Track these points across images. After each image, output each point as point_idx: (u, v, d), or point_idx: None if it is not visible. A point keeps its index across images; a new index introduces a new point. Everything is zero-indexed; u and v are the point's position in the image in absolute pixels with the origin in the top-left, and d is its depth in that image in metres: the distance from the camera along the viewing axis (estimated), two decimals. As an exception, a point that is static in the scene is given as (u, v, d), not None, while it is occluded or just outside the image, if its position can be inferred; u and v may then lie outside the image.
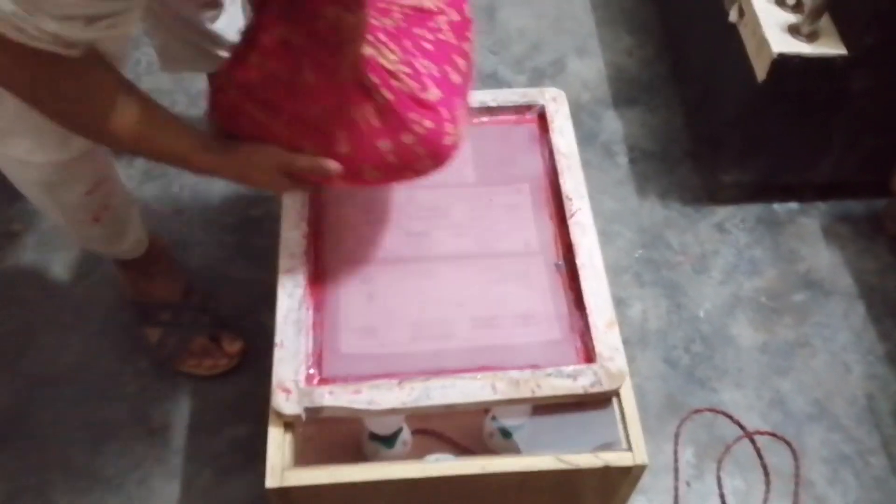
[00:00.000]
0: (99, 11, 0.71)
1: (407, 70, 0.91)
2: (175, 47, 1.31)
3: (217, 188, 1.48)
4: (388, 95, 0.89)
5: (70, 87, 0.79)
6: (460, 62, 0.97)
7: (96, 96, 0.81)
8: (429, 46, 0.94)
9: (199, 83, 1.57)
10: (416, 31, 0.94)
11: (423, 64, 0.92)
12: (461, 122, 0.94)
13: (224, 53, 1.30)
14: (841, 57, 1.20)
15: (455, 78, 0.95)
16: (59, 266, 1.39)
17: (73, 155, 0.95)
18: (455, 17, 1.00)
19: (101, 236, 1.13)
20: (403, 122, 0.90)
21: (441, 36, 0.97)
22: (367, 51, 0.88)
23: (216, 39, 1.30)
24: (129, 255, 1.20)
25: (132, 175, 1.30)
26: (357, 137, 0.90)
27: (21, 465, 1.19)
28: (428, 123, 0.91)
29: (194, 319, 1.26)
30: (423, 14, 0.96)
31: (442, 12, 0.98)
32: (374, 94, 0.89)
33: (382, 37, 0.90)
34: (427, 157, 0.93)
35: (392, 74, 0.89)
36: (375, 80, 0.88)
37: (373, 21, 0.89)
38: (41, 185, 0.99)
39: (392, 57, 0.90)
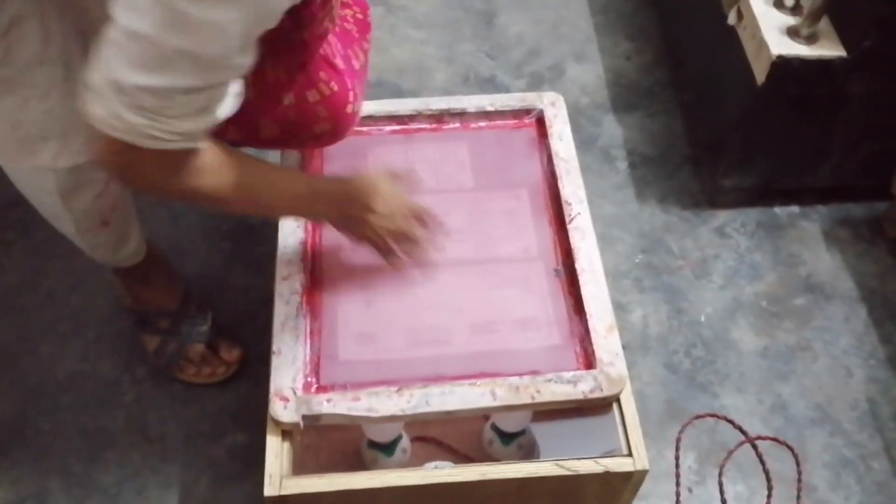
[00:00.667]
0: (211, 82, 0.71)
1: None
2: None
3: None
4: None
5: (198, 170, 0.80)
6: (360, 55, 1.02)
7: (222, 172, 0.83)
8: (336, 28, 0.97)
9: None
10: None
11: (332, 40, 0.95)
12: (361, 101, 0.98)
13: None
14: (840, 59, 1.20)
15: (356, 64, 0.99)
16: (56, 274, 1.38)
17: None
18: (360, 15, 1.05)
19: (107, 242, 1.12)
20: (312, 79, 0.92)
21: (347, 26, 1.01)
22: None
23: None
24: (130, 262, 1.20)
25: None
26: (262, 86, 0.90)
27: (19, 473, 1.19)
28: (334, 86, 0.93)
29: (192, 327, 1.25)
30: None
31: (349, 6, 1.03)
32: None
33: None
34: (327, 120, 0.95)
35: None
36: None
37: None
38: (57, 193, 0.98)
39: None
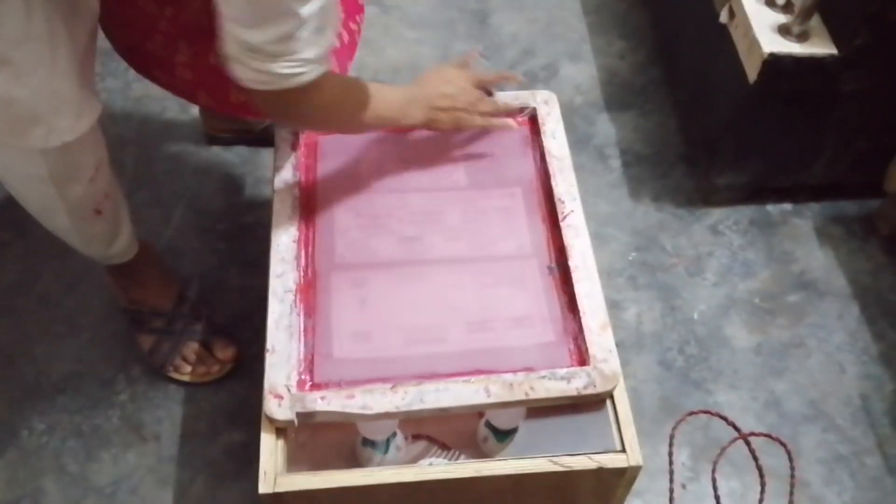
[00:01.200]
0: None
1: None
2: None
3: (209, 194, 1.48)
4: None
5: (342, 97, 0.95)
6: (344, 34, 1.09)
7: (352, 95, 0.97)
8: None
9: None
10: None
11: None
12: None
13: None
14: (832, 57, 1.20)
15: (337, 42, 1.04)
16: (51, 275, 1.38)
17: (83, 130, 0.95)
18: None
19: (101, 234, 1.13)
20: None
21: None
22: None
23: None
24: (122, 258, 1.20)
25: (122, 183, 1.28)
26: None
27: (14, 472, 1.19)
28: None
29: (187, 326, 1.26)
30: None
31: None
32: None
33: None
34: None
35: None
36: None
37: None
38: (50, 180, 0.98)
39: None
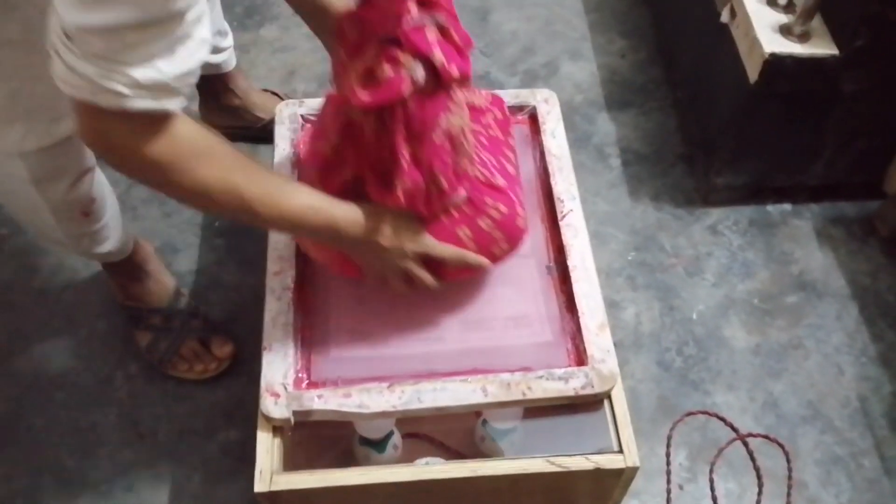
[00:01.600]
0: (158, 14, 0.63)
1: (476, 159, 0.94)
2: None
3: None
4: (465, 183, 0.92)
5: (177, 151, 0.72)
6: (510, 155, 1.01)
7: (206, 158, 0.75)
8: (485, 141, 0.98)
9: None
10: (475, 126, 0.97)
11: (485, 156, 0.96)
12: (525, 207, 0.97)
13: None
14: (833, 57, 1.20)
15: (510, 169, 0.99)
16: (48, 270, 1.38)
17: (62, 136, 0.95)
18: (499, 115, 1.04)
19: (90, 234, 1.12)
20: (479, 207, 0.93)
21: (492, 132, 1.01)
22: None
23: None
24: (115, 258, 1.20)
25: (119, 179, 1.28)
26: (438, 230, 0.92)
27: (11, 469, 1.19)
28: (503, 208, 0.93)
29: (184, 323, 1.25)
30: (476, 111, 1.00)
31: (489, 110, 1.03)
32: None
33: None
34: (504, 240, 0.95)
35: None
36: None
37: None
38: (31, 182, 0.98)
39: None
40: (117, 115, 0.66)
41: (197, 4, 0.65)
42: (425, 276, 0.92)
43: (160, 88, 0.66)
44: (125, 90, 0.64)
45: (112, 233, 1.15)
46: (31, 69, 0.87)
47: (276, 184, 0.82)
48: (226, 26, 1.39)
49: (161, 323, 1.25)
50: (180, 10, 0.63)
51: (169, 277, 1.29)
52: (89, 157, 1.04)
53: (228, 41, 1.40)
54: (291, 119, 1.13)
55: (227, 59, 1.41)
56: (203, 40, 0.68)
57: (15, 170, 0.96)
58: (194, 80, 0.69)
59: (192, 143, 0.73)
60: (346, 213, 0.86)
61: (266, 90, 1.54)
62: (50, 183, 0.99)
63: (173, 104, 0.68)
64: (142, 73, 0.64)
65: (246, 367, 1.26)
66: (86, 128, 0.69)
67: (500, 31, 1.76)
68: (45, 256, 1.39)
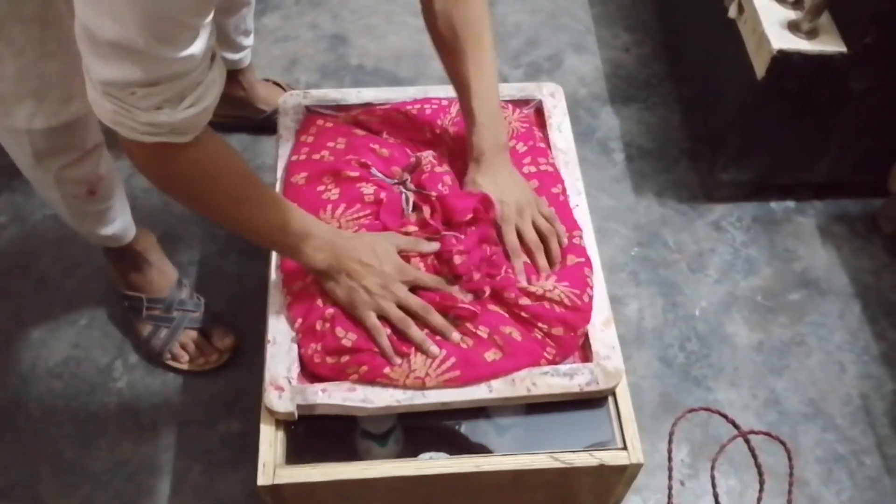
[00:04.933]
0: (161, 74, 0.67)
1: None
2: None
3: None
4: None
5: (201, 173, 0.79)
6: (589, 281, 0.97)
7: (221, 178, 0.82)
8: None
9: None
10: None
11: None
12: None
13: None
14: (840, 55, 1.19)
15: (586, 297, 0.95)
16: (48, 258, 1.37)
17: (70, 118, 0.94)
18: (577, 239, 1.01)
19: (95, 213, 1.12)
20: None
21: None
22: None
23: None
24: (118, 242, 1.19)
25: (121, 167, 1.27)
26: (507, 343, 0.91)
27: (11, 459, 1.18)
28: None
29: (185, 314, 1.25)
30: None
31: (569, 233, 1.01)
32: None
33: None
34: (554, 350, 0.92)
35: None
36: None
37: None
38: (32, 155, 0.98)
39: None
40: (134, 142, 0.72)
41: (204, 53, 0.68)
42: (411, 298, 0.90)
43: (170, 129, 0.71)
44: (140, 128, 0.70)
45: (118, 215, 1.15)
46: (45, 45, 0.86)
47: (275, 214, 0.85)
48: (251, 26, 1.39)
49: (162, 313, 1.24)
50: (187, 69, 0.67)
51: (171, 267, 1.28)
52: (95, 135, 1.03)
53: (250, 41, 1.40)
54: (295, 110, 1.12)
55: (244, 57, 1.42)
56: (212, 82, 0.72)
57: (21, 145, 0.97)
58: (207, 117, 0.74)
59: (203, 166, 0.79)
60: (340, 236, 0.91)
61: (269, 80, 1.54)
62: (50, 159, 1.00)
63: (185, 138, 0.73)
64: (151, 118, 0.69)
65: (247, 358, 1.25)
66: (121, 142, 0.75)
67: (504, 23, 1.75)
68: (46, 244, 1.38)
